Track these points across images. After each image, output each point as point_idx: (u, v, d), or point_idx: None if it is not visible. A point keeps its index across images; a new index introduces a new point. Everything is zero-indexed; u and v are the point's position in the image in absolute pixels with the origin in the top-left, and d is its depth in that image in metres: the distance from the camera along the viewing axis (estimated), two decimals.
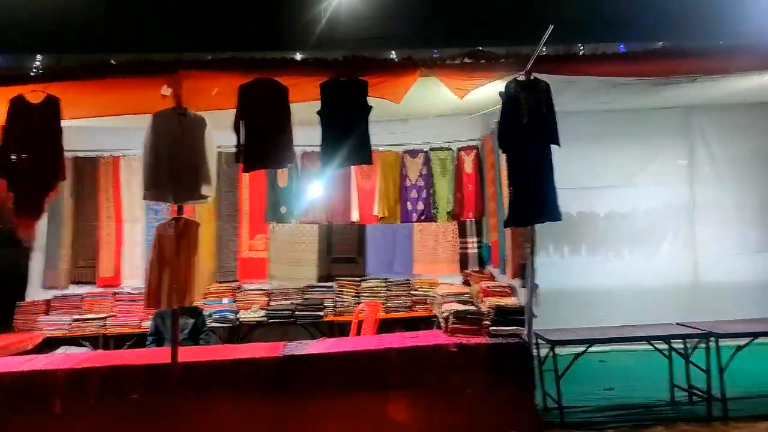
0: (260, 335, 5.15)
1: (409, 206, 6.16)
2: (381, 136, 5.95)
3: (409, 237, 6.06)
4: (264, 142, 3.77)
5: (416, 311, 5.56)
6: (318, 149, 3.90)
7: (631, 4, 5.07)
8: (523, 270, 4.34)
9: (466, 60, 4.04)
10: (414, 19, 4.95)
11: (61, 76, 3.79)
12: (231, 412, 3.49)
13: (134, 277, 6.00)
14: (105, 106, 4.20)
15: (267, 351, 3.67)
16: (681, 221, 6.42)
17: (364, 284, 5.67)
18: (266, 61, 3.88)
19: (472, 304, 4.48)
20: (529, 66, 3.93)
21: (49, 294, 5.98)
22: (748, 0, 4.66)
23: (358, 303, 5.26)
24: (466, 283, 5.64)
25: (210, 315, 5.27)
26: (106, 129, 5.54)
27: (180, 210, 3.71)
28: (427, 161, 6.25)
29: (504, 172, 4.84)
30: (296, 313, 5.40)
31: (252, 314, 5.35)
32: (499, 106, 4.01)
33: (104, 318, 5.59)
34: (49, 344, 5.43)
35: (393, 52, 4.15)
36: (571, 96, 5.32)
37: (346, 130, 3.90)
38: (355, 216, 5.90)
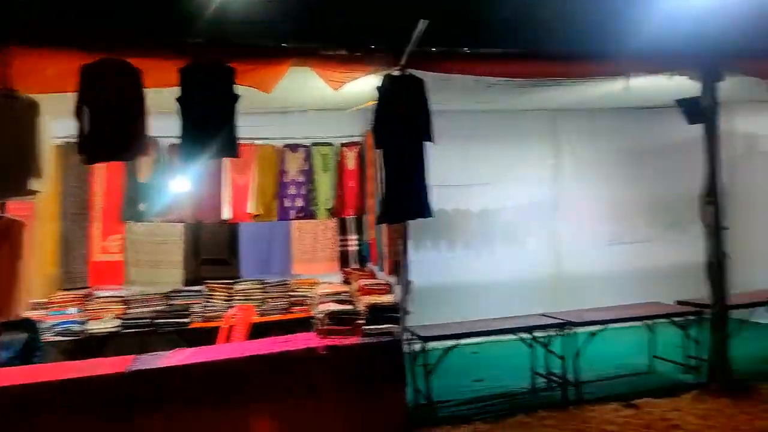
0: (115, 348, 4.59)
1: (288, 203, 5.90)
2: (258, 129, 5.68)
3: (287, 235, 5.81)
4: (110, 131, 3.35)
5: (295, 313, 5.34)
6: None
7: (507, 6, 5.30)
8: (399, 267, 4.33)
9: (341, 52, 3.91)
10: (288, 7, 4.73)
11: None
12: None
13: None
14: None
15: (110, 367, 3.22)
16: (546, 217, 6.87)
17: (237, 287, 5.32)
18: (113, 39, 3.44)
19: (351, 304, 4.38)
20: (403, 61, 3.90)
21: None
22: (612, 11, 5.04)
23: (231, 307, 4.92)
24: (347, 281, 5.54)
25: (51, 327, 4.61)
26: None
27: (1, 207, 3.16)
28: (308, 156, 6.03)
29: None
30: (156, 321, 4.92)
31: (103, 324, 4.77)
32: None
33: None
34: None
35: (263, 39, 3.91)
36: (447, 94, 5.43)
37: (210, 120, 3.59)
38: (226, 214, 5.53)
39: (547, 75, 4.57)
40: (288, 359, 3.52)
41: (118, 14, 4.35)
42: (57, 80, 3.47)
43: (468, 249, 6.68)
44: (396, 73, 3.94)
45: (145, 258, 5.19)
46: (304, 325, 5.25)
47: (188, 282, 5.34)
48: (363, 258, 6.07)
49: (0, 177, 3.10)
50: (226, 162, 5.43)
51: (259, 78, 3.73)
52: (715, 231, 4.56)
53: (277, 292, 5.41)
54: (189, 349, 3.71)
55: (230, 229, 5.60)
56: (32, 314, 4.34)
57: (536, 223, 6.88)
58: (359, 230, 6.13)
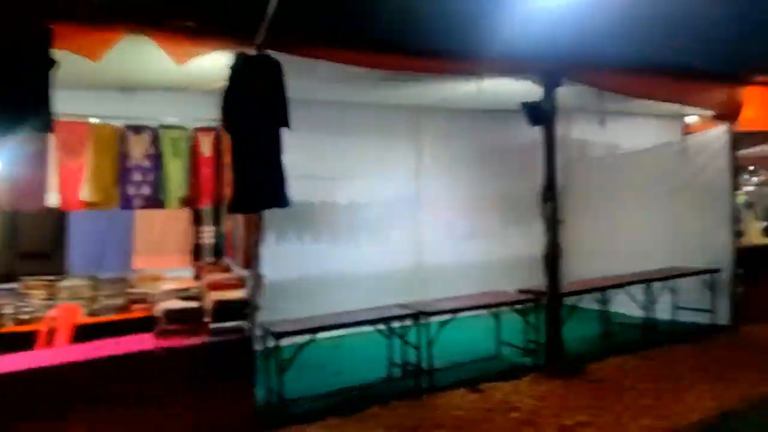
0: None
1: (132, 190, 5.28)
2: (95, 105, 5.06)
3: (129, 226, 5.22)
4: None
5: (134, 312, 4.80)
6: None
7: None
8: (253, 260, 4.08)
9: (189, 23, 3.55)
10: None
11: None
12: None
13: None
14: None
15: None
16: (409, 212, 7.06)
17: (62, 284, 4.63)
18: None
19: (197, 300, 4.04)
20: (258, 40, 3.65)
21: None
22: (472, 11, 5.23)
23: (51, 308, 4.27)
24: (198, 276, 5.13)
25: None
26: None
27: None
28: (155, 140, 5.45)
29: None
30: None
31: None
32: None
33: None
34: None
35: None
36: (314, 83, 5.29)
37: (18, 87, 3.03)
38: (53, 200, 4.79)
39: (408, 69, 4.62)
40: (117, 364, 3.12)
41: None
42: None
43: (335, 242, 6.62)
44: (251, 52, 3.68)
45: None
46: (145, 325, 4.78)
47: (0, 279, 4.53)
48: (219, 251, 5.68)
49: None
50: (52, 141, 4.71)
51: (84, 44, 3.24)
52: (552, 225, 4.98)
53: (111, 289, 4.82)
54: None
55: (57, 219, 4.87)
56: None
57: (400, 217, 7.03)
58: (216, 221, 5.72)
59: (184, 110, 5.73)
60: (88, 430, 2.88)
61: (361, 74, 4.77)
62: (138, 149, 5.38)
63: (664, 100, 6.05)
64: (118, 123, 5.38)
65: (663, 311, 6.32)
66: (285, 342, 4.01)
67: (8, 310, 4.33)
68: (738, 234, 6.40)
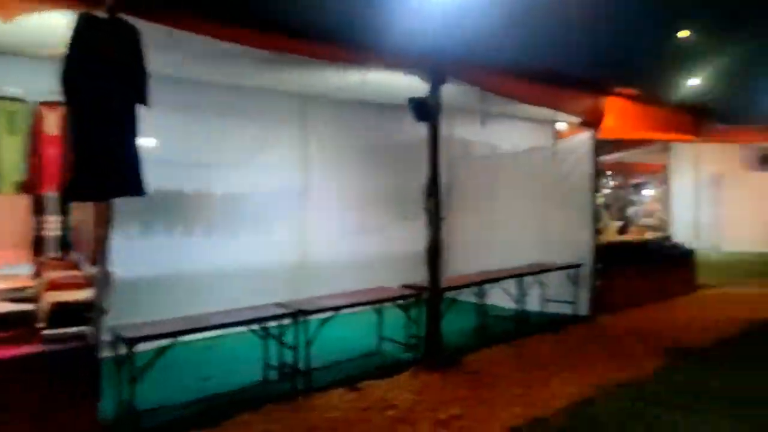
0: None
1: None
2: None
3: None
4: None
5: None
6: None
7: None
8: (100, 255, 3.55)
9: None
10: None
11: None
12: None
13: None
14: None
15: None
16: (294, 204, 6.76)
17: None
18: None
19: (31, 302, 3.43)
20: (110, 1, 3.16)
21: None
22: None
23: None
24: (38, 275, 4.41)
25: None
26: None
27: None
28: None
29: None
30: None
31: None
32: None
33: None
34: None
35: None
36: (180, 57, 4.79)
37: None
38: None
39: (291, 51, 4.34)
40: None
41: None
42: None
43: (210, 235, 6.13)
44: (100, 14, 3.17)
45: None
46: None
47: None
48: (67, 245, 4.95)
49: None
50: None
51: None
52: (435, 221, 4.99)
53: None
54: None
55: None
56: None
57: (284, 209, 6.71)
58: (63, 210, 4.98)
59: (27, 80, 4.92)
60: None
61: (236, 53, 4.40)
62: None
63: (539, 105, 6.40)
64: None
65: (533, 303, 6.70)
66: (145, 347, 3.56)
67: None
68: (597, 232, 6.97)
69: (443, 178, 8.14)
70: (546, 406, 3.88)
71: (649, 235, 8.50)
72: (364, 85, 5.31)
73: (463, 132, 8.17)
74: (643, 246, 7.97)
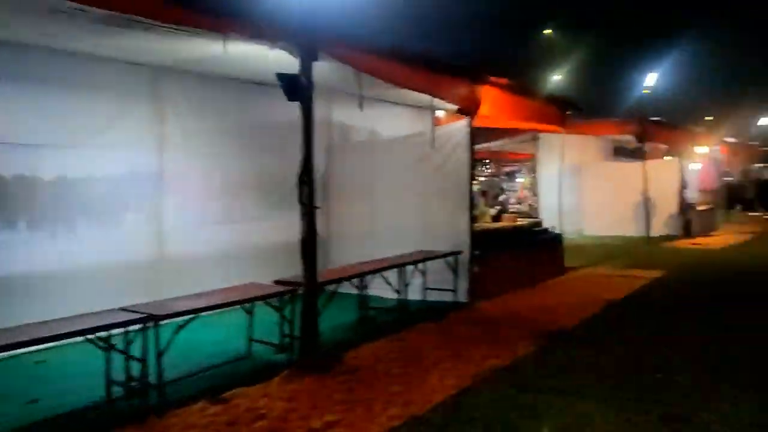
0: None
1: None
2: None
3: None
4: None
5: None
6: None
7: None
8: None
9: None
10: None
11: None
12: None
13: None
14: None
15: None
16: (148, 191, 5.94)
17: None
18: None
19: None
20: None
21: None
22: None
23: None
24: None
25: None
26: None
27: None
28: None
29: None
30: None
31: None
32: None
33: None
34: None
35: None
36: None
37: None
38: None
39: (127, 11, 3.63)
40: None
41: None
42: None
43: (37, 229, 5.12)
44: None
45: None
46: None
47: None
48: None
49: None
50: None
51: None
52: (309, 210, 4.60)
53: None
54: None
55: None
56: None
57: (136, 198, 5.88)
58: None
59: None
60: None
61: (64, 9, 3.61)
62: None
63: (416, 89, 6.23)
64: None
65: (415, 292, 6.61)
66: None
67: None
68: (474, 219, 7.06)
69: (321, 164, 7.83)
70: (425, 402, 3.70)
71: (521, 222, 8.87)
72: (228, 58, 4.71)
73: (342, 116, 7.84)
74: (516, 232, 8.28)
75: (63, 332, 3.44)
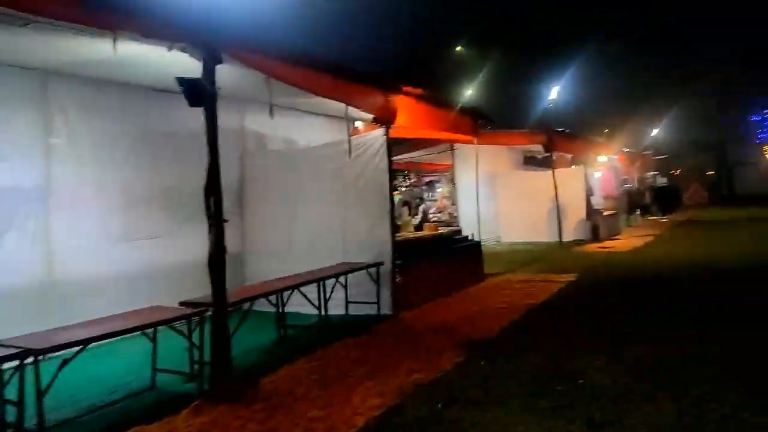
0: None
1: None
2: None
3: None
4: None
5: None
6: None
7: None
8: None
9: None
10: None
11: None
12: None
13: None
14: None
15: None
16: (33, 208, 5.29)
17: None
18: None
19: None
20: None
21: None
22: None
23: None
24: None
25: None
26: None
27: None
28: None
29: None
30: None
31: None
32: None
33: None
34: None
35: None
36: None
37: None
38: None
39: None
40: None
41: None
42: None
43: None
44: None
45: None
46: None
47: None
48: None
49: None
50: None
51: None
52: (217, 224, 4.25)
53: None
54: None
55: None
56: None
57: (19, 214, 5.20)
58: None
59: None
60: None
61: None
62: None
63: (329, 97, 6.05)
64: None
65: (337, 307, 6.37)
66: None
67: None
68: (396, 229, 6.96)
69: (235, 174, 7.42)
70: (348, 427, 3.48)
71: (442, 230, 8.92)
72: (126, 61, 4.29)
73: (256, 125, 7.50)
74: (437, 240, 8.30)
75: None
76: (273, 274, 6.13)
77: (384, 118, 6.64)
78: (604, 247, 12.56)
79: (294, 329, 5.84)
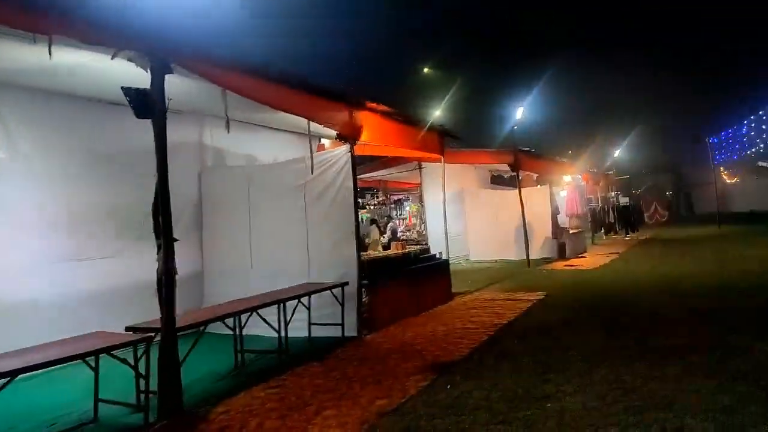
0: None
1: None
2: None
3: None
4: None
5: None
6: None
7: None
8: None
9: None
10: None
11: None
12: None
13: None
14: None
15: None
16: None
17: None
18: None
19: None
20: None
21: None
22: None
23: None
24: None
25: None
26: None
27: None
28: None
29: None
30: None
31: None
32: None
33: None
34: None
35: None
36: None
37: None
38: None
39: None
40: None
41: None
42: None
43: None
44: None
45: None
46: None
47: None
48: None
49: None
50: None
51: None
52: (167, 244, 3.98)
53: None
54: None
55: None
56: None
57: None
58: None
59: None
60: None
61: None
62: None
63: (289, 112, 5.86)
64: None
65: (299, 329, 6.10)
66: None
67: None
68: (363, 247, 6.76)
69: (194, 190, 7.12)
70: None
71: (410, 248, 8.76)
72: (71, 70, 4.01)
73: (216, 140, 7.24)
74: (405, 259, 8.12)
75: None
76: (233, 295, 5.84)
77: (348, 135, 6.48)
78: (571, 265, 12.62)
79: (252, 354, 5.54)
